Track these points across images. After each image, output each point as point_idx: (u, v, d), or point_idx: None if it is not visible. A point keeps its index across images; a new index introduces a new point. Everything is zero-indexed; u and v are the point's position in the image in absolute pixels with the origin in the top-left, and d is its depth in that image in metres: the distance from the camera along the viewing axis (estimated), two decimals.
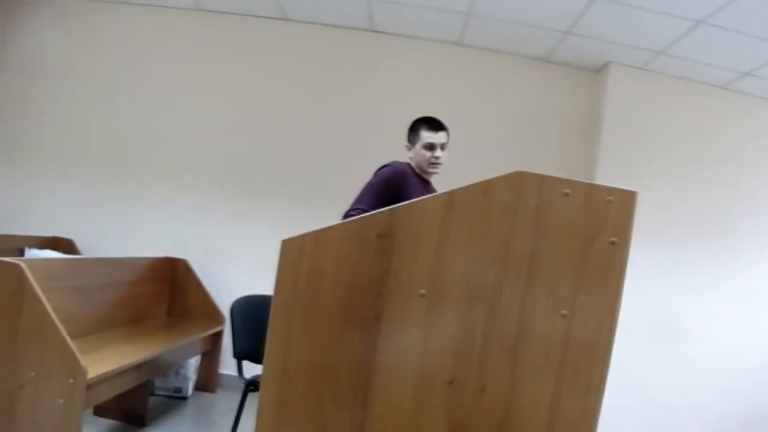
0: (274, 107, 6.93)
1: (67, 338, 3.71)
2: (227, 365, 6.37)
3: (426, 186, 4.08)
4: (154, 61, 7.07)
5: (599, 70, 6.74)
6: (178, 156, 6.95)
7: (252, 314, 4.45)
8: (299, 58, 6.96)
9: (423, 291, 2.03)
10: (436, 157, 4.02)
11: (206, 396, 6.36)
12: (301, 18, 6.85)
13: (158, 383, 6.03)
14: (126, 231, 6.88)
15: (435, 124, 4.07)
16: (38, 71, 7.12)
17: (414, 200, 2.08)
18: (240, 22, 6.96)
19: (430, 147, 4.01)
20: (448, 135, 4.08)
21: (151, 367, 4.88)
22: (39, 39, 7.15)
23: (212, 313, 6.37)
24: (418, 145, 4.04)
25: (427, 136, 4.02)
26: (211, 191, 6.89)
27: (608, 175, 6.13)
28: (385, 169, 3.94)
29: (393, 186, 3.80)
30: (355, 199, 3.84)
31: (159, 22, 7.07)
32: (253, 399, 3.56)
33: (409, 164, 4.08)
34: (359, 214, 2.62)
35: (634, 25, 5.62)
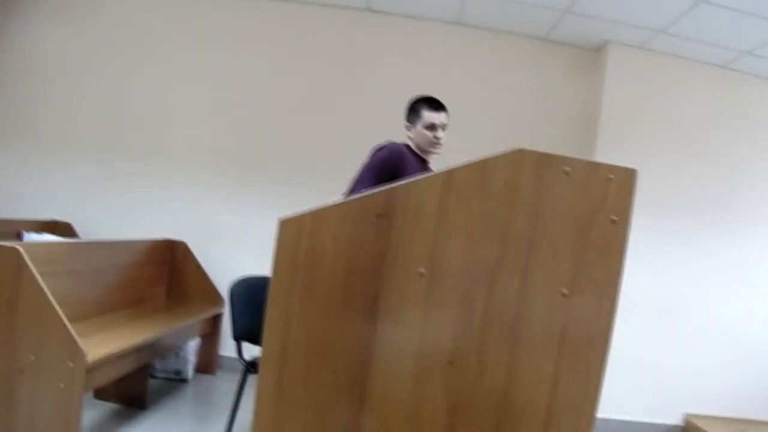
0: (271, 88, 6.90)
1: (66, 322, 3.71)
2: (227, 347, 6.38)
3: (424, 166, 4.05)
4: (151, 45, 7.04)
5: (598, 50, 6.71)
6: (176, 138, 6.93)
7: (251, 296, 4.44)
8: (297, 39, 6.93)
9: (422, 270, 2.02)
10: (438, 138, 3.99)
11: (206, 378, 6.37)
12: None
13: (158, 366, 6.04)
14: (124, 214, 6.87)
15: (436, 104, 4.04)
16: (37, 57, 7.08)
17: (412, 179, 2.06)
18: (236, 3, 6.93)
19: (432, 127, 3.98)
20: (448, 115, 4.06)
21: (151, 350, 4.89)
22: (38, 25, 7.11)
23: (211, 295, 6.37)
24: (419, 125, 4.01)
25: (428, 116, 3.98)
26: (209, 173, 6.88)
27: (607, 155, 6.10)
28: (382, 149, 3.90)
29: (391, 166, 3.77)
30: (354, 180, 3.82)
31: (158, 6, 7.03)
32: (252, 380, 3.56)
33: (407, 144, 4.04)
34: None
35: (633, 3, 5.59)
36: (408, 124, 4.10)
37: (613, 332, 2.07)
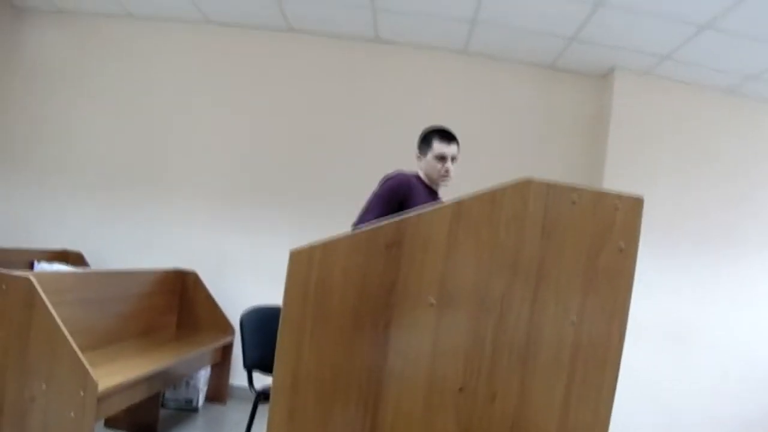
0: (280, 118, 6.94)
1: (78, 351, 3.72)
2: (237, 376, 6.37)
3: (433, 196, 4.05)
4: (162, 75, 7.10)
5: (605, 76, 6.74)
6: (186, 168, 6.98)
7: (261, 325, 4.45)
8: (306, 70, 6.98)
9: (432, 300, 2.04)
10: (447, 170, 3.98)
11: (217, 407, 6.36)
12: (306, 29, 6.87)
13: (169, 395, 6.03)
14: (135, 243, 6.90)
15: (448, 136, 4.02)
16: (49, 86, 7.15)
17: (422, 209, 2.08)
18: (247, 34, 6.99)
19: (442, 158, 3.96)
20: (458, 147, 4.06)
21: (162, 379, 4.89)
22: (51, 55, 7.19)
23: (222, 324, 6.38)
24: (430, 156, 3.99)
25: (438, 147, 3.97)
26: (219, 203, 6.91)
27: (615, 181, 6.12)
28: (391, 179, 3.89)
29: (399, 196, 3.76)
30: (363, 210, 3.82)
31: (168, 35, 7.10)
32: (263, 410, 3.57)
33: (416, 174, 4.04)
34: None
35: (639, 30, 5.63)
36: (419, 154, 4.09)
37: (622, 357, 2.08)
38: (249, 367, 4.36)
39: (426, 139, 4.06)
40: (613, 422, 2.10)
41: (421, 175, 4.07)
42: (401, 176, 3.90)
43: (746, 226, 6.43)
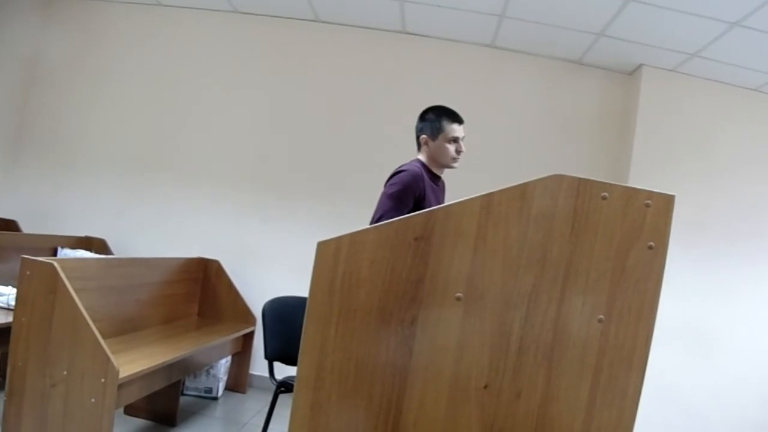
0: (307, 109, 6.94)
1: (100, 338, 3.74)
2: (258, 366, 6.40)
3: (437, 183, 3.94)
4: (190, 64, 7.12)
5: (632, 73, 6.69)
6: (211, 158, 7.00)
7: (283, 316, 4.45)
8: (331, 60, 6.98)
9: (459, 294, 2.02)
10: (460, 152, 3.88)
11: (236, 396, 6.38)
12: (333, 20, 6.87)
13: (189, 383, 6.06)
14: (159, 231, 6.93)
15: (458, 116, 3.91)
16: (76, 74, 7.19)
17: (451, 203, 2.06)
18: (273, 24, 6.99)
19: (455, 140, 3.85)
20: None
21: (182, 368, 4.91)
22: (79, 41, 7.22)
23: (243, 313, 6.39)
24: (441, 139, 3.84)
25: (451, 129, 3.84)
26: (244, 193, 6.93)
27: (642, 179, 6.08)
28: (403, 174, 3.69)
29: (415, 190, 3.62)
30: (381, 209, 3.58)
31: (196, 24, 7.12)
32: (283, 400, 3.57)
33: (420, 163, 3.86)
34: None
35: (667, 27, 5.58)
36: (425, 136, 3.93)
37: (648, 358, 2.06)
38: (270, 358, 4.36)
39: (435, 120, 3.91)
40: (637, 424, 2.08)
41: (424, 160, 3.91)
42: (413, 170, 3.71)
43: None
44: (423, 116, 4.00)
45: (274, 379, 4.29)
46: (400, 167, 3.80)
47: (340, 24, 6.90)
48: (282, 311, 4.49)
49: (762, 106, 6.42)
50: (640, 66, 6.48)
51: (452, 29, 6.60)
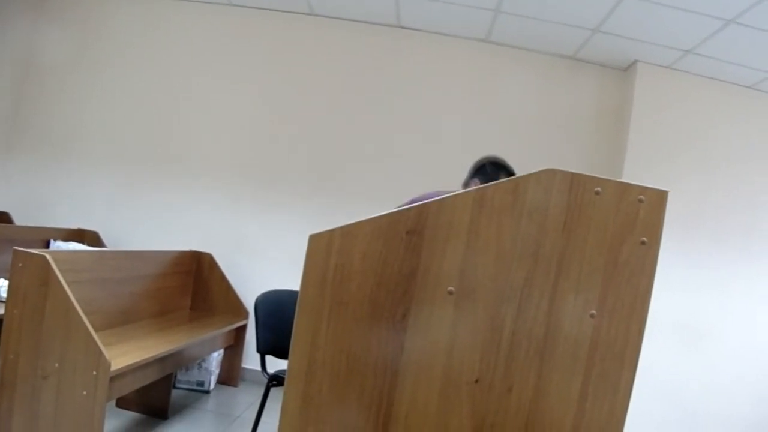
0: (301, 103, 6.94)
1: (92, 330, 3.73)
2: (250, 359, 6.40)
3: None
4: (184, 57, 7.11)
5: (627, 69, 6.69)
6: (205, 151, 6.99)
7: (276, 309, 4.45)
8: (327, 54, 6.97)
9: (451, 288, 2.01)
10: None
11: (228, 390, 6.38)
12: (328, 14, 6.86)
13: (181, 376, 6.05)
14: (152, 224, 6.92)
15: (510, 175, 3.69)
16: (70, 67, 7.17)
17: (443, 196, 2.05)
18: (268, 17, 6.98)
19: None
20: None
21: (174, 361, 4.91)
22: (72, 34, 7.20)
23: (236, 307, 6.39)
24: None
25: None
26: (237, 186, 6.93)
27: (635, 175, 6.08)
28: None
29: None
30: None
31: (190, 17, 7.10)
32: (275, 394, 3.57)
33: None
34: None
35: (662, 23, 5.58)
36: (476, 182, 3.81)
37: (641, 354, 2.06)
38: (262, 352, 4.36)
39: (489, 173, 3.81)
40: (628, 419, 2.08)
41: None
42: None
43: (766, 222, 6.36)
44: (481, 166, 3.94)
45: (266, 373, 4.30)
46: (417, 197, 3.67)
47: (335, 17, 6.89)
48: (274, 305, 4.49)
49: (756, 103, 6.42)
50: (635, 62, 6.48)
51: (447, 24, 6.59)
